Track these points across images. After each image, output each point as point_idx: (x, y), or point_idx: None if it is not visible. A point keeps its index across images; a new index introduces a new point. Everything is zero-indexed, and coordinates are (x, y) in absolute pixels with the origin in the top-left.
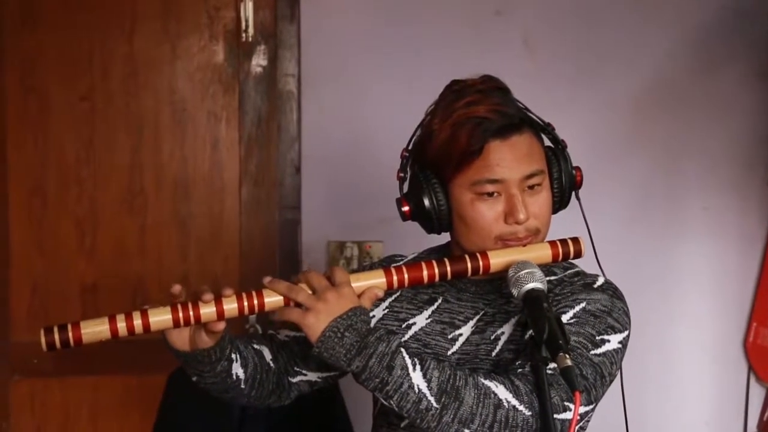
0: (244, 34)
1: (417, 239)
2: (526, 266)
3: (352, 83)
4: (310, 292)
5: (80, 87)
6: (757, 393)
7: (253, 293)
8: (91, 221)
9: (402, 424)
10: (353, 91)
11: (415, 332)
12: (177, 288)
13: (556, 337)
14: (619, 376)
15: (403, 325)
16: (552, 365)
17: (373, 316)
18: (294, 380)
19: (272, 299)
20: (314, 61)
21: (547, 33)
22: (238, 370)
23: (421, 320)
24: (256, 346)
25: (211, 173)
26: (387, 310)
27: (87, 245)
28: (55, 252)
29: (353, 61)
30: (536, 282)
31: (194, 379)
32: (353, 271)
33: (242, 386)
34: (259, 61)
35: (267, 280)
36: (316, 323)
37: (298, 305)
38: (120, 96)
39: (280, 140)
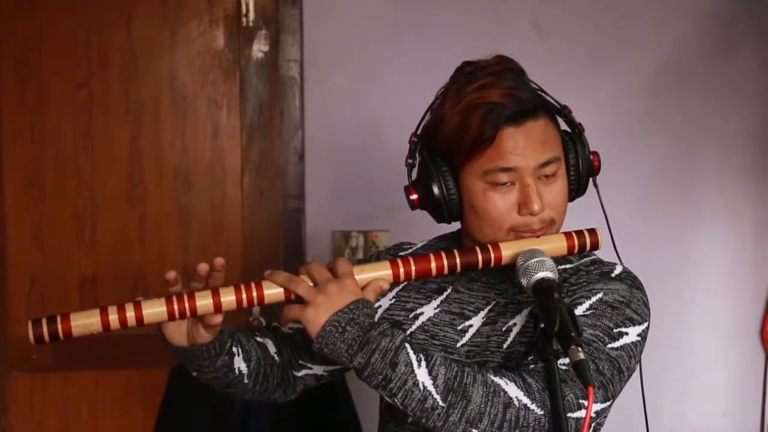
0: (244, 19)
1: (424, 228)
2: (536, 255)
3: (356, 68)
4: (311, 284)
5: (78, 74)
6: None
7: (252, 285)
8: (90, 212)
9: (409, 419)
10: (358, 76)
11: (423, 323)
12: (172, 274)
13: (567, 329)
14: (638, 368)
15: (410, 315)
16: (565, 360)
17: (380, 306)
18: (299, 374)
19: (272, 291)
20: (317, 46)
21: (558, 16)
22: (240, 364)
23: (429, 310)
24: (259, 339)
25: (213, 162)
26: (393, 299)
27: (86, 237)
28: (54, 244)
29: (357, 46)
30: (546, 271)
31: (194, 374)
32: (359, 262)
33: (245, 381)
34: (260, 47)
35: (267, 273)
36: (315, 318)
37: (299, 298)
38: (118, 83)
39: (283, 127)
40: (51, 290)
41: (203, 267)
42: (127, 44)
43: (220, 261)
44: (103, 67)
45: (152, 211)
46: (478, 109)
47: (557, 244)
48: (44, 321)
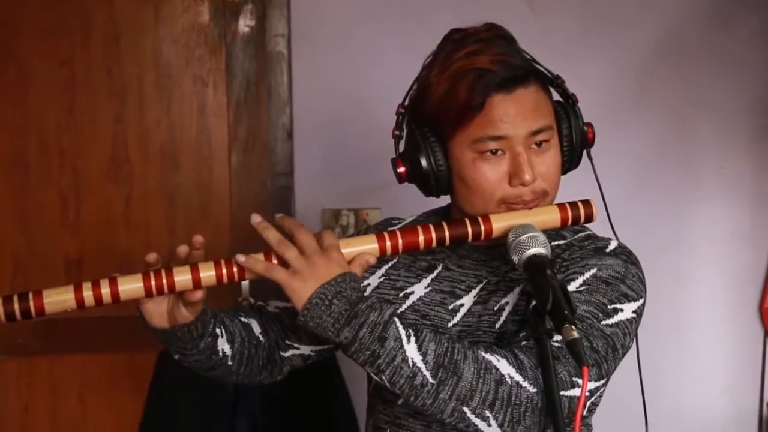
0: None
1: (416, 205)
2: (528, 230)
3: (345, 42)
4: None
5: (59, 52)
6: None
7: (233, 259)
8: (74, 193)
9: (399, 401)
10: (347, 50)
11: (413, 302)
12: (152, 256)
13: (560, 307)
14: (635, 346)
15: (400, 295)
16: (558, 337)
17: (368, 284)
18: (286, 354)
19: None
20: (305, 20)
21: None
22: (224, 345)
23: (419, 289)
24: (243, 320)
25: (199, 140)
26: (383, 278)
27: (71, 218)
28: (38, 225)
29: (346, 19)
30: (539, 247)
31: (176, 357)
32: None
33: (229, 363)
34: (246, 21)
35: (257, 220)
36: (302, 288)
37: (283, 264)
38: (101, 61)
39: (271, 104)
40: (35, 273)
41: (183, 249)
42: (109, 21)
43: (199, 239)
44: (86, 44)
45: (138, 190)
46: (466, 75)
47: (550, 216)
48: (15, 298)
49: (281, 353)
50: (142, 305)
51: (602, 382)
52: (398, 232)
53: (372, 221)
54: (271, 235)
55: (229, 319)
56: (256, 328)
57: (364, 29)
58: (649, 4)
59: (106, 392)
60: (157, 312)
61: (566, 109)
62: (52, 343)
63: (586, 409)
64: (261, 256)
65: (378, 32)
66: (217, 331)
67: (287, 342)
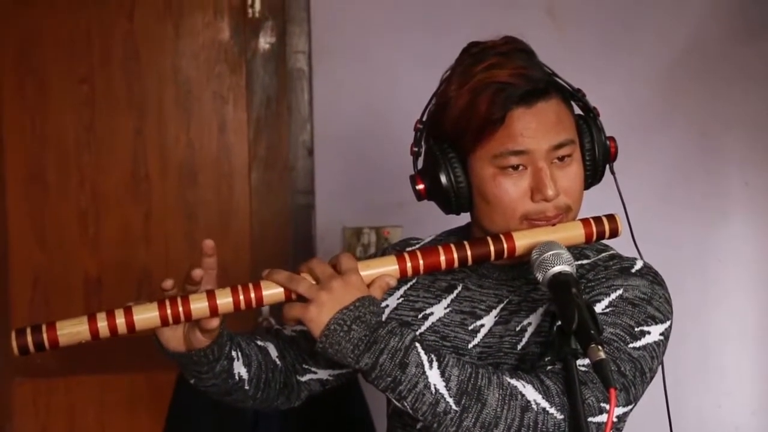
0: (250, 10)
1: (438, 223)
2: (552, 247)
3: (366, 59)
4: (313, 282)
5: (79, 68)
6: None
7: (250, 286)
8: (93, 210)
9: (418, 426)
10: (368, 67)
11: (433, 323)
12: (169, 283)
13: (586, 326)
14: (661, 368)
15: (419, 316)
16: (584, 361)
17: (386, 305)
18: (303, 379)
19: (271, 292)
20: (325, 37)
21: (573, 2)
22: (240, 369)
23: (438, 310)
24: (260, 343)
25: (219, 157)
26: (401, 299)
27: (90, 235)
28: (57, 243)
29: (366, 35)
30: (563, 265)
31: (192, 381)
32: (367, 257)
33: (246, 387)
34: (266, 38)
35: (266, 272)
36: (318, 316)
37: (301, 298)
38: (121, 77)
39: (291, 121)
40: (54, 291)
41: (198, 273)
42: (129, 37)
43: (209, 243)
44: (105, 60)
45: (157, 208)
46: (486, 89)
47: (574, 232)
48: (28, 330)
49: (298, 378)
50: (157, 330)
51: (630, 407)
52: (419, 253)
53: (393, 240)
54: (280, 277)
55: (245, 342)
56: (273, 352)
57: (385, 45)
58: (672, 17)
59: (125, 413)
60: (173, 336)
61: (588, 123)
62: (70, 363)
63: None
64: (281, 293)
65: (399, 48)
66: (233, 354)
67: (304, 366)
